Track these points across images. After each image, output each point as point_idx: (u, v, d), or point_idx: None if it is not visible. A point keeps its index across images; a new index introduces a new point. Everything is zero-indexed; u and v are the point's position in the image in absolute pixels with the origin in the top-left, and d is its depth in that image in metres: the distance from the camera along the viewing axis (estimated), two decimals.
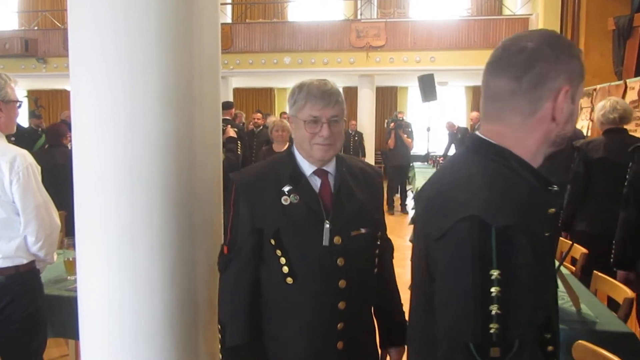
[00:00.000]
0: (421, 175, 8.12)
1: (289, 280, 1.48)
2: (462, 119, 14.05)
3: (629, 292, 2.24)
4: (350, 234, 1.51)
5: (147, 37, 1.61)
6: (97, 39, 1.61)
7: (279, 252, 1.48)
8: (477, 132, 1.09)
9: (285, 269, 1.48)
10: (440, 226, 0.97)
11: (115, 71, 1.61)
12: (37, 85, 14.59)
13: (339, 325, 1.51)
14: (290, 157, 1.57)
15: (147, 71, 1.62)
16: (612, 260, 2.80)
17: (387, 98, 15.38)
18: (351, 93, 14.83)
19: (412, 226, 5.50)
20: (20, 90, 2.32)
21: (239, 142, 4.43)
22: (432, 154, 11.05)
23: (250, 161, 7.12)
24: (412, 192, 6.92)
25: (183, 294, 1.71)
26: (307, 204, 1.49)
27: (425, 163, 10.58)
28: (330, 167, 1.57)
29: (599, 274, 2.52)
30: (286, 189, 1.49)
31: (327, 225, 1.48)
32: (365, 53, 11.39)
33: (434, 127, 11.37)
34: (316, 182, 1.54)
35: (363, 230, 1.54)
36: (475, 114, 9.95)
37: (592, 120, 5.26)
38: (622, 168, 2.85)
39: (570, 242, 2.72)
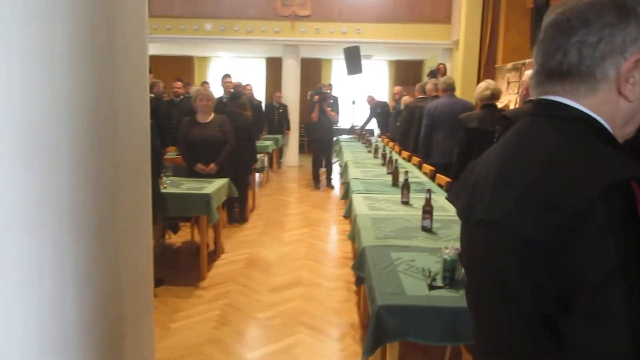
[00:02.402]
0: (348, 149, 7.97)
1: None
2: (384, 94, 14.13)
3: None
4: None
5: None
6: None
7: None
8: None
9: None
10: None
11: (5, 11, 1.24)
12: None
13: None
14: (609, 139, 0.86)
15: (54, 13, 1.26)
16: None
17: (311, 70, 15.11)
18: (275, 64, 14.42)
19: (343, 201, 5.36)
20: None
21: None
22: (357, 127, 11.01)
23: (170, 133, 6.64)
24: (340, 165, 6.74)
25: (104, 292, 1.40)
26: None
27: (351, 136, 10.49)
28: None
29: None
30: None
31: None
32: (290, 23, 11.02)
33: (359, 101, 11.31)
34: None
35: None
36: (398, 88, 9.94)
37: (518, 94, 5.33)
38: (492, 135, 3.45)
39: None
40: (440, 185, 4.67)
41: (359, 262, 2.72)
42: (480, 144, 3.75)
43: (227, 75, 7.22)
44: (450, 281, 2.15)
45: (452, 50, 11.29)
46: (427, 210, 3.04)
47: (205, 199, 4.15)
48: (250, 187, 6.64)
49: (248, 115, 6.19)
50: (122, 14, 1.43)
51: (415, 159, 6.14)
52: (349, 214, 4.25)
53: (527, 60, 5.30)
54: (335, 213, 7.12)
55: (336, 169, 10.05)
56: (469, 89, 9.29)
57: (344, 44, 10.99)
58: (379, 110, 10.37)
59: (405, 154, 6.86)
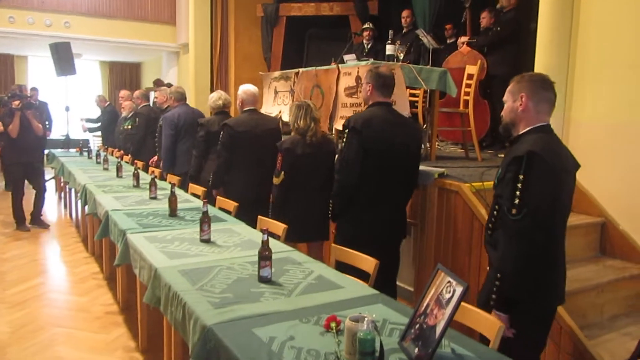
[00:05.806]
0: (75, 167, 6.37)
1: None
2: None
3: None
4: None
5: None
6: None
7: None
8: None
9: None
10: None
11: None
12: None
13: None
14: None
15: None
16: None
17: (1, 68, 12.26)
18: None
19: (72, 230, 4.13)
20: None
21: None
22: (75, 139, 9.22)
23: None
24: (78, 192, 5.19)
25: None
26: None
27: (72, 150, 8.61)
28: None
29: None
30: None
31: None
32: None
33: (73, 107, 9.54)
34: None
35: None
36: (125, 92, 8.60)
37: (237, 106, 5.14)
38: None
39: None
40: (224, 210, 3.99)
41: (204, 352, 1.89)
42: (215, 144, 4.44)
43: None
44: None
45: (179, 53, 10.55)
46: (266, 255, 2.38)
47: None
48: None
49: None
50: None
51: (174, 178, 5.27)
52: (123, 262, 3.23)
53: (301, 70, 5.04)
54: (71, 249, 5.66)
55: (50, 194, 8.08)
56: (203, 94, 8.75)
57: (49, 38, 9.11)
58: (106, 116, 8.81)
59: (155, 169, 5.87)
